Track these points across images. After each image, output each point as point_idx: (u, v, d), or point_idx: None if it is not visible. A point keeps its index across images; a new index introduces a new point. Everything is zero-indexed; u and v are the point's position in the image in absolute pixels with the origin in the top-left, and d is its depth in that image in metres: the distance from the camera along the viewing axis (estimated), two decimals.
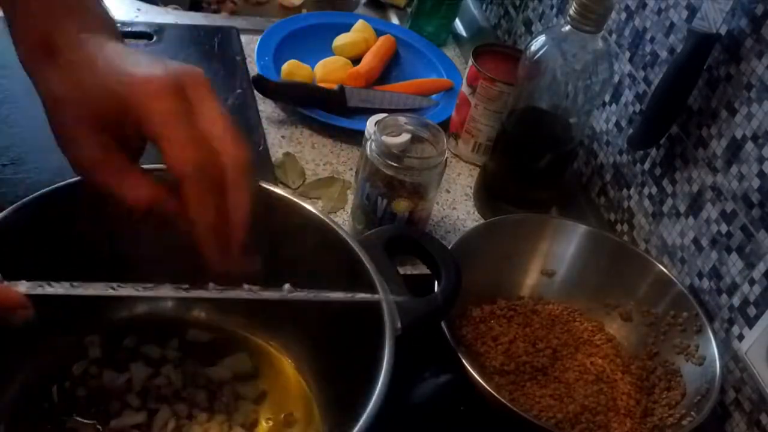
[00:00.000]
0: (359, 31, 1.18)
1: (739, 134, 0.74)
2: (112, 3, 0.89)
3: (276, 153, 0.98)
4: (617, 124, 0.94)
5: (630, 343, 0.81)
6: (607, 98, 0.95)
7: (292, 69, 1.08)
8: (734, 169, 0.75)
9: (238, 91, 1.04)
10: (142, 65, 0.52)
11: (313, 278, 0.70)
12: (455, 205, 0.99)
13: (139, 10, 1.16)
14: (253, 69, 1.08)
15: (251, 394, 0.69)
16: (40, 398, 0.65)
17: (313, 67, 1.10)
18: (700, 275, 0.79)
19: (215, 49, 1.10)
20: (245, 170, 0.52)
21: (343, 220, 0.92)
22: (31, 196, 0.63)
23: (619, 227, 0.93)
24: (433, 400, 0.76)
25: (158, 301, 0.74)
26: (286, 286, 0.59)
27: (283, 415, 0.69)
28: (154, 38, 1.08)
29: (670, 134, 0.84)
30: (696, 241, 0.80)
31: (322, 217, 0.69)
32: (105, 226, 0.69)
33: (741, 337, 0.73)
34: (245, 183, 0.52)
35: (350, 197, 0.94)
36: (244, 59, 1.10)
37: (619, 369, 0.78)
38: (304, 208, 0.69)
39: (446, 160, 0.83)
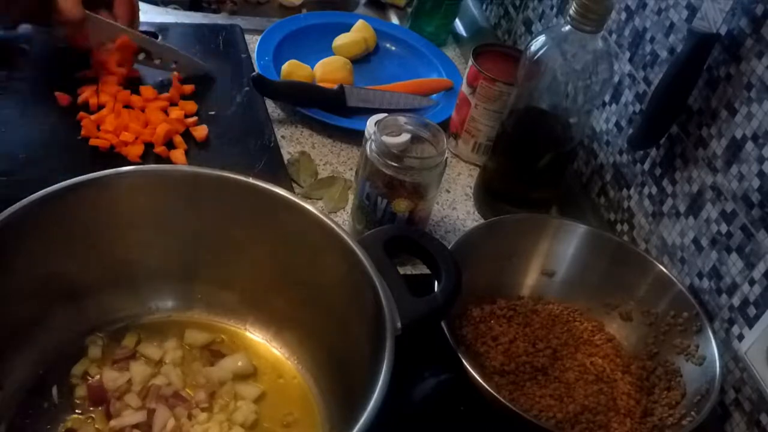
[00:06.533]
0: (359, 31, 1.18)
1: (739, 134, 0.74)
2: None
3: None
4: (617, 124, 0.94)
5: (630, 343, 0.81)
6: (607, 98, 0.95)
7: (292, 69, 1.07)
8: (734, 169, 0.75)
9: (246, 88, 1.03)
10: None
11: (313, 278, 0.70)
12: (455, 205, 0.99)
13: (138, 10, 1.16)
14: (254, 69, 1.08)
15: (251, 394, 0.69)
16: (40, 398, 0.65)
17: (313, 67, 1.10)
18: (700, 275, 0.79)
19: (220, 48, 1.10)
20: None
21: (343, 220, 0.92)
22: (30, 197, 0.63)
23: (619, 227, 0.93)
24: (433, 400, 0.76)
25: (158, 301, 0.74)
26: None
27: (283, 415, 0.69)
28: (159, 37, 1.08)
29: (670, 134, 0.84)
30: (696, 241, 0.80)
31: (322, 217, 0.69)
32: (104, 227, 0.69)
33: (741, 337, 0.73)
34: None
35: (351, 197, 0.94)
36: (249, 57, 1.10)
37: (619, 369, 0.78)
38: (305, 208, 0.69)
39: (446, 160, 0.83)
